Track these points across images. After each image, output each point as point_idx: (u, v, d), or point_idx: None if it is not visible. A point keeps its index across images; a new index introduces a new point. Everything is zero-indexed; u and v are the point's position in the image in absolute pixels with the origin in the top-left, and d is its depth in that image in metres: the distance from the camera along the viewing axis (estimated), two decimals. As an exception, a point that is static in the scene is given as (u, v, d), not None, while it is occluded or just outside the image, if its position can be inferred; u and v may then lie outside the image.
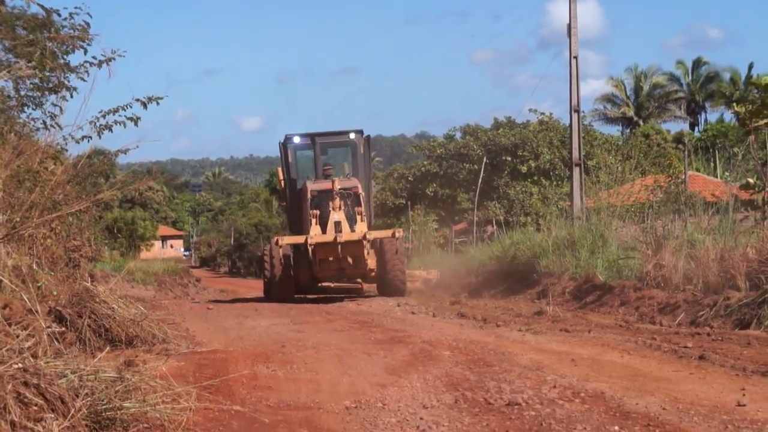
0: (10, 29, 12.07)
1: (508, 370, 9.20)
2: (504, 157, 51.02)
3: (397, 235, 22.53)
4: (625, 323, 13.94)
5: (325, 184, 22.56)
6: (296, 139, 24.74)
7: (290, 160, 24.94)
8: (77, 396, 5.52)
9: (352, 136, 25.02)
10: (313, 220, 22.11)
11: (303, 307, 20.22)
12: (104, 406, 5.69)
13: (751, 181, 16.99)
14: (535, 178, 49.66)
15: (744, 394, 7.63)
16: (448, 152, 54.99)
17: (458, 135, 57.38)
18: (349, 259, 22.39)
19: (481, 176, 43.52)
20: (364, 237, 21.48)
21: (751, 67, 78.48)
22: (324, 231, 21.86)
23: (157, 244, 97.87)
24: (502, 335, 12.66)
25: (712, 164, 42.17)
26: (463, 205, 52.39)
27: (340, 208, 21.93)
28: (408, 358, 10.35)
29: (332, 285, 24.57)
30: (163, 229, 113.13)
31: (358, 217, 22.48)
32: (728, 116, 66.14)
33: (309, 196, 22.54)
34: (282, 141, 24.81)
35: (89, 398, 5.59)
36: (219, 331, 13.70)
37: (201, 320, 16.05)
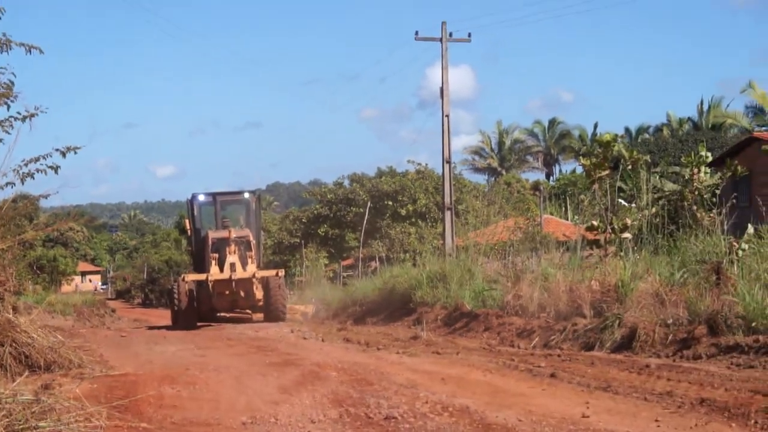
0: (-63, 86, 11.77)
1: (386, 388, 9.20)
2: (386, 202, 51.42)
3: (279, 274, 24.30)
4: (489, 346, 14.07)
5: (223, 233, 24.03)
6: (201, 197, 26.39)
7: (195, 213, 26.48)
8: (-5, 417, 5.37)
9: (246, 195, 27.13)
10: (213, 262, 23.50)
11: (207, 334, 19.99)
12: (21, 426, 5.56)
13: (595, 223, 17.34)
14: (413, 220, 50.14)
15: (588, 407, 7.75)
16: (337, 197, 55.24)
17: (346, 182, 57.69)
18: (242, 293, 23.83)
19: (366, 218, 43.77)
20: (254, 275, 23.44)
21: (596, 126, 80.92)
22: (221, 270, 23.26)
23: (77, 278, 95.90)
24: (382, 357, 12.67)
25: (563, 209, 43.04)
26: (350, 243, 52.55)
27: (234, 252, 23.46)
28: (299, 378, 10.28)
29: (227, 315, 25.46)
30: (83, 265, 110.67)
31: (249, 260, 23.88)
32: (578, 168, 67.52)
33: (210, 242, 23.95)
34: (189, 198, 26.60)
35: (6, 419, 5.46)
36: (130, 356, 13.45)
37: (115, 347, 15.73)
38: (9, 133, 12.61)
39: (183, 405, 8.28)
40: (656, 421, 7.08)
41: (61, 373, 9.47)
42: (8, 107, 12.47)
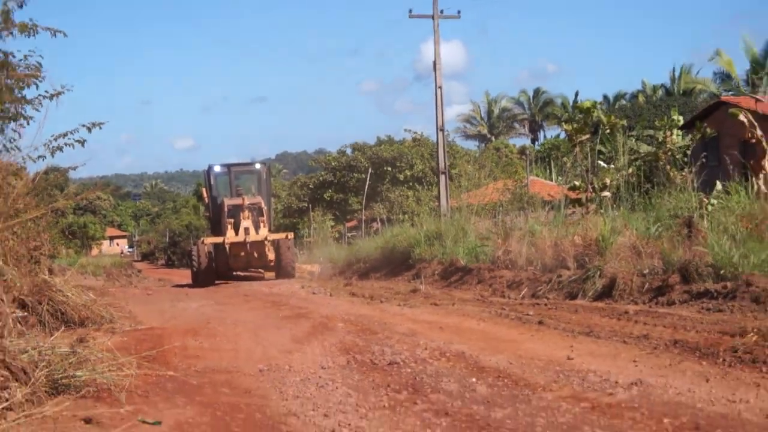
0: (-28, 70, 11.79)
1: (389, 337, 9.26)
2: (385, 168, 51.31)
3: (288, 236, 24.91)
4: (481, 297, 14.10)
5: (237, 200, 24.45)
6: (216, 168, 26.92)
7: (212, 182, 27.05)
8: (37, 367, 5.43)
9: (258, 166, 27.95)
10: (229, 226, 24.01)
11: (225, 291, 20.06)
12: (60, 375, 5.62)
13: (577, 183, 17.37)
14: (411, 184, 50.05)
15: (572, 350, 7.80)
16: (340, 164, 55.14)
17: (349, 150, 57.53)
18: (255, 254, 24.36)
19: (367, 183, 43.70)
20: (266, 238, 24.06)
21: (576, 94, 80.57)
22: (237, 234, 23.79)
23: (106, 243, 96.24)
24: (384, 309, 12.72)
25: (548, 171, 42.96)
26: (353, 206, 52.51)
27: (248, 217, 23.89)
28: (309, 329, 10.34)
29: (242, 273, 26.17)
30: (110, 231, 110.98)
31: (261, 224, 24.35)
32: (561, 133, 67.29)
33: (226, 209, 24.39)
34: (206, 169, 27.18)
35: (47, 369, 5.51)
36: (156, 312, 13.50)
37: (142, 303, 15.78)
38: (38, 111, 12.69)
39: (205, 355, 8.34)
40: (634, 361, 7.14)
41: (94, 328, 9.52)
42: (37, 87, 12.52)
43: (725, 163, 19.07)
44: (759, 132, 15.84)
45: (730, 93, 49.24)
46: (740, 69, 54.45)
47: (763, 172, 15.07)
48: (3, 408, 4.84)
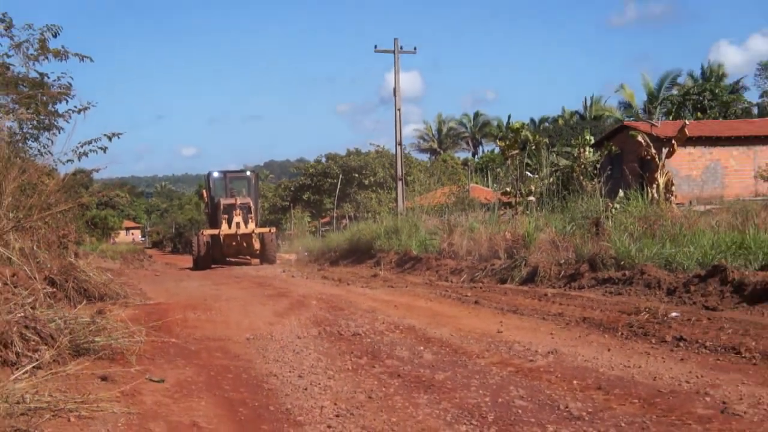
0: (14, 87, 11.68)
1: (353, 313, 9.26)
2: (353, 174, 51.24)
3: (271, 230, 25.36)
4: (429, 281, 14.14)
5: (231, 200, 24.70)
6: (215, 174, 27.49)
7: (211, 185, 27.31)
8: (62, 334, 5.38)
9: (248, 173, 28.54)
10: (224, 221, 24.19)
11: (221, 273, 19.94)
12: (81, 341, 5.57)
13: (508, 189, 17.49)
14: (374, 188, 49.96)
15: (502, 325, 7.86)
16: (317, 171, 55.00)
17: (324, 159, 57.33)
18: (244, 244, 24.66)
19: (338, 187, 43.72)
20: (253, 231, 24.33)
21: (509, 117, 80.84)
22: (230, 227, 24.04)
23: (122, 233, 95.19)
24: (350, 290, 12.72)
25: (485, 179, 43.13)
26: (327, 205, 52.31)
27: (239, 214, 24.16)
28: (288, 306, 10.31)
29: (233, 259, 25.92)
30: (127, 223, 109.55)
31: (250, 220, 24.53)
32: (496, 148, 67.55)
33: (221, 207, 24.58)
34: (207, 174, 27.86)
35: (70, 335, 5.47)
36: (162, 290, 13.39)
37: (151, 283, 15.66)
38: (68, 122, 12.63)
39: (202, 326, 8.29)
40: (551, 334, 7.21)
41: (111, 302, 9.42)
42: (67, 102, 12.43)
43: (626, 175, 19.27)
44: (653, 150, 16.06)
45: (631, 119, 49.71)
46: (639, 100, 55.12)
47: (656, 182, 15.29)
48: (33, 367, 4.79)
